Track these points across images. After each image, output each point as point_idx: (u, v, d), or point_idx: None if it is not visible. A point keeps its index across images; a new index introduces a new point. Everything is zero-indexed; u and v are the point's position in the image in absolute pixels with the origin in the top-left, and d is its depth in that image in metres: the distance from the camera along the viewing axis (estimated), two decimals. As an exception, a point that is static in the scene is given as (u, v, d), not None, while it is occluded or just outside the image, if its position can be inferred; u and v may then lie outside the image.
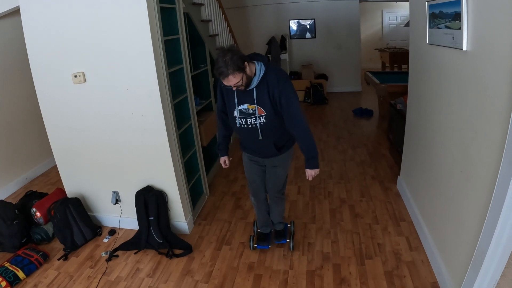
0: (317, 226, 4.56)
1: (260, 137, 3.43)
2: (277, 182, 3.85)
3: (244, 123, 3.38)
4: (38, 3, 3.82)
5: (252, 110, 3.30)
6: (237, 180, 6.02)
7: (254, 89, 3.22)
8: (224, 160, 3.89)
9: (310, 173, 3.50)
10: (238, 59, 2.98)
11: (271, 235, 4.32)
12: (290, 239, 4.28)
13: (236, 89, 3.17)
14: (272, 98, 3.21)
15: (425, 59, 4.02)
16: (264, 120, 3.31)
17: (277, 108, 3.26)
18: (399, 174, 5.38)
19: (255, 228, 4.55)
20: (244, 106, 3.32)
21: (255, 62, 3.22)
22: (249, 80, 3.14)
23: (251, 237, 4.30)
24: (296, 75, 11.98)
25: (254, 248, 4.24)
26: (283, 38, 11.88)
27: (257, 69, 3.19)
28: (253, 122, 3.35)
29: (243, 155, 3.90)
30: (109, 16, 3.72)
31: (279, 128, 3.42)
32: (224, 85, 3.16)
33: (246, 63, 3.05)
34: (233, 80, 3.01)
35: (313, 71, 11.86)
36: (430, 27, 3.68)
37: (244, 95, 3.27)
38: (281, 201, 4.08)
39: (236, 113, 3.38)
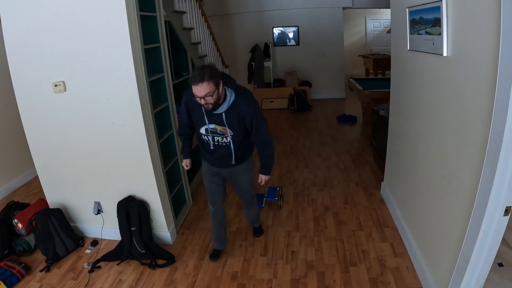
0: (300, 234, 4.54)
1: (224, 153, 3.65)
2: (245, 188, 4.05)
3: (210, 140, 3.56)
4: (19, 13, 3.78)
5: (220, 131, 3.46)
6: (221, 189, 5.94)
7: (224, 113, 3.33)
8: (185, 163, 3.97)
9: (264, 178, 3.82)
10: (216, 75, 3.11)
11: (253, 231, 4.68)
12: (278, 199, 5.23)
13: (204, 104, 3.19)
14: (243, 120, 3.40)
15: (406, 65, 4.04)
16: (231, 140, 3.51)
17: (244, 128, 3.49)
18: (383, 180, 5.38)
19: None
20: (211, 126, 3.44)
21: (227, 88, 3.31)
22: (218, 99, 3.21)
23: None
24: (280, 82, 12.02)
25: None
26: (266, 46, 11.89)
27: (228, 96, 3.29)
28: (220, 141, 3.54)
29: (202, 163, 3.95)
30: (88, 24, 3.69)
31: (241, 144, 3.61)
32: (191, 100, 3.34)
33: (221, 82, 3.18)
34: (205, 89, 3.04)
35: (297, 78, 11.88)
36: (410, 33, 3.70)
37: (213, 116, 3.37)
38: (253, 204, 4.34)
39: (203, 131, 3.52)
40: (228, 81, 3.35)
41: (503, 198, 2.28)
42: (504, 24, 2.01)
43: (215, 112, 3.31)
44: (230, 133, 3.44)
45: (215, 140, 3.54)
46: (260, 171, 3.82)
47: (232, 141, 3.52)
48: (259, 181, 3.83)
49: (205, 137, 3.56)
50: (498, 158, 2.17)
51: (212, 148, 3.61)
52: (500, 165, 2.18)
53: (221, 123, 3.39)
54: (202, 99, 3.11)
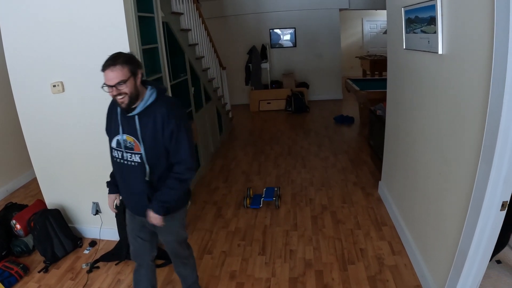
0: (298, 233, 4.55)
1: (135, 184, 2.80)
2: (169, 248, 3.25)
3: (120, 156, 2.76)
4: (17, 14, 3.80)
5: (130, 143, 2.70)
6: (218, 189, 5.99)
7: (137, 116, 2.65)
8: (111, 201, 3.10)
9: (152, 216, 2.75)
10: (135, 62, 2.55)
11: None
12: (276, 199, 5.24)
13: (118, 98, 2.52)
14: (161, 133, 2.64)
15: (403, 64, 4.06)
16: (139, 160, 2.69)
17: (160, 148, 2.69)
18: (380, 180, 5.40)
19: (248, 193, 5.47)
20: (123, 137, 2.71)
21: (149, 86, 2.69)
22: (134, 95, 2.54)
23: (245, 198, 5.33)
24: (277, 84, 12.04)
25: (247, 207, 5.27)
26: (263, 47, 11.94)
27: (147, 95, 2.64)
28: (128, 159, 2.73)
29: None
30: (87, 24, 3.72)
31: (156, 176, 2.78)
32: (111, 106, 2.83)
33: (140, 72, 2.59)
34: (117, 75, 2.44)
35: (294, 80, 11.91)
36: (406, 32, 3.72)
37: (128, 121, 2.68)
38: (184, 265, 3.39)
39: (114, 143, 2.78)
40: (155, 84, 2.76)
41: (499, 193, 2.30)
42: (498, 21, 2.03)
43: (129, 114, 2.65)
44: (139, 149, 2.67)
45: (124, 157, 2.74)
46: (151, 205, 2.75)
47: (146, 162, 2.69)
48: (148, 218, 2.79)
49: (115, 153, 2.79)
50: (493, 153, 2.19)
51: (122, 172, 2.84)
52: (496, 160, 2.20)
53: (133, 131, 2.67)
54: (114, 89, 2.47)
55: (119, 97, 2.51)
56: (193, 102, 6.32)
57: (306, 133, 8.95)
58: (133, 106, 2.61)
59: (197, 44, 6.79)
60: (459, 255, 2.71)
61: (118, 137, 2.73)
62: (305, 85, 12.06)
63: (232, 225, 4.86)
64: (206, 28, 7.59)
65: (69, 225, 4.57)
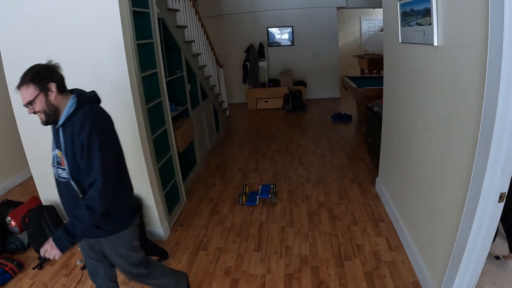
0: (295, 230, 4.53)
1: (69, 200, 2.57)
2: (123, 271, 2.91)
3: (55, 172, 2.57)
4: (13, 12, 3.78)
5: (58, 158, 2.50)
6: (214, 186, 5.97)
7: (61, 129, 2.44)
8: None
9: (50, 247, 2.36)
10: (48, 75, 2.35)
11: None
12: (272, 196, 5.19)
13: (35, 115, 2.39)
14: (76, 148, 2.37)
15: (399, 58, 4.05)
16: (66, 177, 2.47)
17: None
18: (377, 176, 5.38)
19: (243, 190, 5.44)
20: (55, 152, 2.53)
21: (73, 95, 2.46)
22: (49, 111, 2.37)
23: (240, 195, 5.28)
24: (275, 82, 12.03)
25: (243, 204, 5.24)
26: (261, 46, 11.92)
27: (68, 104, 2.41)
28: (61, 175, 2.52)
29: None
30: (81, 19, 3.68)
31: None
32: None
33: (54, 85, 2.34)
34: (24, 96, 2.30)
35: (291, 78, 11.91)
36: (402, 25, 3.72)
37: (56, 136, 2.51)
38: (153, 279, 3.06)
39: (51, 159, 2.58)
40: (77, 92, 2.51)
41: (497, 184, 2.28)
42: (492, 11, 2.02)
43: (56, 126, 2.47)
44: (64, 165, 2.46)
45: (58, 173, 2.54)
46: (55, 236, 2.38)
47: (71, 179, 2.45)
48: (42, 251, 2.39)
49: (53, 169, 2.59)
50: (490, 144, 2.17)
51: (59, 190, 2.62)
52: (493, 151, 2.18)
53: (59, 145, 2.48)
54: (28, 109, 2.37)
55: (36, 114, 2.39)
56: (189, 99, 6.29)
57: (304, 131, 8.94)
58: (58, 119, 2.43)
59: (193, 41, 6.77)
60: (457, 249, 2.69)
61: (52, 152, 2.56)
62: (302, 83, 12.06)
63: (227, 222, 4.84)
64: (202, 26, 7.57)
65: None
